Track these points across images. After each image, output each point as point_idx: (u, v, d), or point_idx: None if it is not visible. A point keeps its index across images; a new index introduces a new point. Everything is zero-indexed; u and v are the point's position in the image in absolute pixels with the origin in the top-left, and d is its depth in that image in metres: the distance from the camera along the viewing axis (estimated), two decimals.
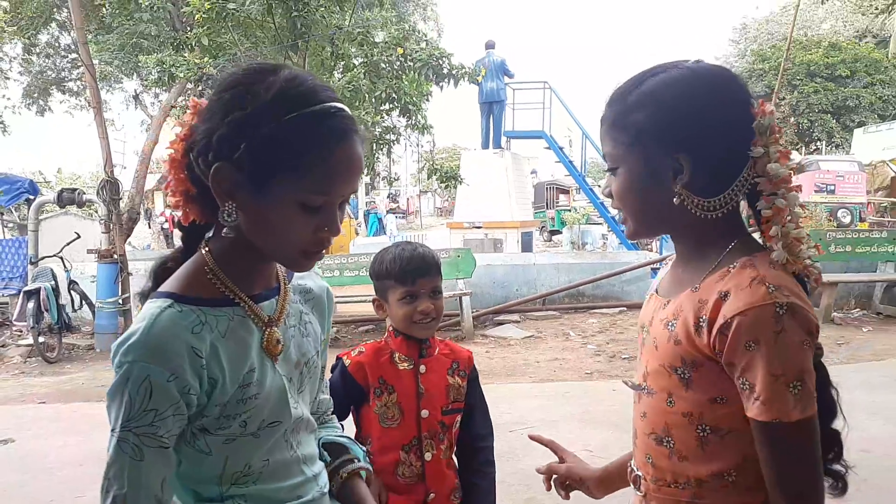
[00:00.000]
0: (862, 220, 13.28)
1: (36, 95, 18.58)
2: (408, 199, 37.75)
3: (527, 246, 13.69)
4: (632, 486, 1.19)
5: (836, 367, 5.17)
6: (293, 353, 1.12)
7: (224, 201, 0.99)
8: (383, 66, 9.38)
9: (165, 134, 13.12)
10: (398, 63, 9.32)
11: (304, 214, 0.99)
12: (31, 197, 10.37)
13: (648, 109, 1.05)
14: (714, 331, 0.98)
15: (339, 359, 1.80)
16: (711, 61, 1.13)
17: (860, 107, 22.69)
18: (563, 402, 5.04)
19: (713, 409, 1.03)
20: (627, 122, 1.06)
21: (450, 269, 7.36)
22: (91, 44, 9.79)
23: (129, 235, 10.09)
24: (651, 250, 11.60)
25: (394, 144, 11.61)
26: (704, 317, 1.00)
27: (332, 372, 1.78)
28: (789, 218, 1.03)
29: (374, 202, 23.63)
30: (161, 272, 1.09)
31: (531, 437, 1.53)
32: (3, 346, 7.72)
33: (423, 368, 1.77)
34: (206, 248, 1.07)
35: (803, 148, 22.52)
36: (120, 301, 7.46)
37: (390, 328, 1.83)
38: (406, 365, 1.77)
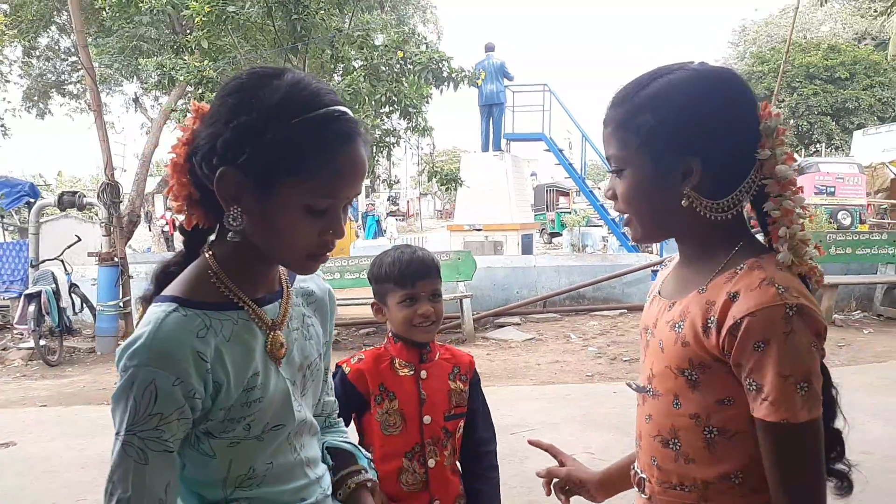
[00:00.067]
0: (862, 221, 13.28)
1: (36, 98, 18.62)
2: (408, 201, 37.78)
3: (527, 248, 13.69)
4: (636, 488, 1.19)
5: (838, 369, 5.18)
6: (296, 357, 1.13)
7: (229, 205, 0.99)
8: (383, 69, 9.39)
9: (165, 137, 13.17)
10: (398, 66, 9.33)
11: (309, 217, 0.99)
12: (32, 200, 10.39)
13: (658, 111, 1.04)
14: (723, 332, 0.98)
15: (338, 367, 1.78)
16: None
17: (860, 109, 22.72)
18: (564, 405, 5.04)
19: (720, 411, 1.03)
20: (635, 123, 1.06)
21: (450, 271, 7.36)
22: (91, 47, 9.81)
23: (129, 238, 10.11)
24: (651, 252, 11.59)
25: (394, 147, 11.62)
26: (713, 318, 1.00)
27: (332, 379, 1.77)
28: (796, 219, 1.03)
29: (374, 204, 23.62)
30: (163, 276, 1.09)
31: (530, 443, 1.52)
32: (4, 349, 7.72)
33: (423, 374, 1.76)
34: (210, 252, 1.07)
35: (803, 150, 22.56)
36: (121, 304, 7.46)
37: (390, 334, 1.81)
38: (406, 371, 1.76)
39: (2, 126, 18.77)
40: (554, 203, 23.82)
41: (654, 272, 8.48)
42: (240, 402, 1.02)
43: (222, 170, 0.97)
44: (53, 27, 15.74)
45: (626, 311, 8.41)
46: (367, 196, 24.57)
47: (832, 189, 13.69)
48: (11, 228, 14.08)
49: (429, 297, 1.75)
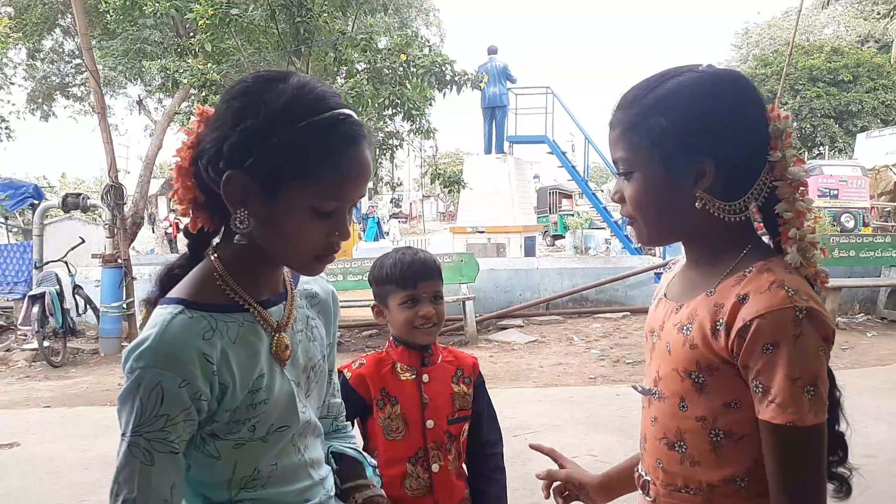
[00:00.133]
0: (865, 224, 13.24)
1: (40, 101, 18.67)
2: (411, 203, 37.77)
3: (530, 250, 13.69)
4: (640, 490, 1.18)
5: (841, 372, 5.16)
6: (301, 358, 1.13)
7: (236, 209, 1.00)
8: (386, 72, 9.40)
9: (169, 139, 13.20)
10: (401, 69, 9.34)
11: (315, 220, 1.00)
12: (36, 202, 10.41)
13: (669, 113, 1.04)
14: (732, 334, 0.98)
15: (339, 372, 1.78)
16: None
17: (863, 111, 22.68)
18: (568, 407, 5.03)
19: (727, 414, 1.03)
20: (645, 126, 1.05)
21: (453, 273, 7.36)
22: (95, 49, 9.84)
23: (133, 240, 10.12)
24: (654, 255, 11.58)
25: (397, 149, 11.62)
26: (722, 320, 1.00)
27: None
28: (807, 221, 1.04)
29: (377, 205, 23.63)
30: (167, 279, 1.09)
31: (532, 447, 1.51)
32: (8, 350, 7.73)
33: (425, 378, 1.74)
34: (215, 255, 1.08)
35: (806, 153, 22.51)
36: (124, 305, 7.47)
37: (391, 338, 1.80)
38: (408, 375, 1.74)
39: (6, 128, 18.84)
40: (557, 205, 23.80)
41: (657, 275, 8.47)
42: (245, 404, 1.03)
43: (229, 173, 0.98)
44: (58, 30, 15.78)
45: (629, 313, 8.40)
46: (370, 198, 24.58)
47: (835, 192, 13.65)
48: (15, 230, 14.12)
49: (430, 298, 1.74)
